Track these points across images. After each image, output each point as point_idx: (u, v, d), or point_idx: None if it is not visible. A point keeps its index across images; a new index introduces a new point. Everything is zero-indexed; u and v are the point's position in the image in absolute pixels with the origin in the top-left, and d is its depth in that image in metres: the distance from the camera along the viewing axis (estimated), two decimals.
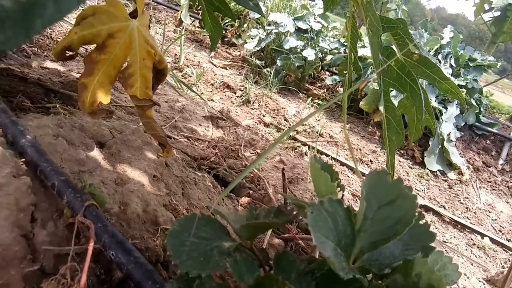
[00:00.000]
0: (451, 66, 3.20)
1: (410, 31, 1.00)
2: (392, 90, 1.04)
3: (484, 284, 1.60)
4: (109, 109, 0.74)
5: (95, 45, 0.79)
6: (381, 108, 0.96)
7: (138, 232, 0.78)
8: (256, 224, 0.55)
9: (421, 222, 0.58)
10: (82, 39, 0.76)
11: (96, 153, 0.86)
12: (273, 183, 1.50)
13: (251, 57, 3.77)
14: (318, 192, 0.63)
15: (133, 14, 0.85)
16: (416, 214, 0.55)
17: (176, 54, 3.49)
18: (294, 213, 0.59)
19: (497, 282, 1.56)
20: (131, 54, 0.82)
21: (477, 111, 3.33)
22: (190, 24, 4.33)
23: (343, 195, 0.64)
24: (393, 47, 1.01)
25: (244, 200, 1.26)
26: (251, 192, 1.31)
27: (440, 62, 3.18)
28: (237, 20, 4.15)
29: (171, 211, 0.88)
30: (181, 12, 3.79)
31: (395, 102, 0.97)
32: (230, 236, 0.60)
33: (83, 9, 0.80)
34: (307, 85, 3.80)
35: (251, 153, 1.78)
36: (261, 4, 3.59)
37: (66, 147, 0.81)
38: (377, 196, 0.56)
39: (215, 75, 3.40)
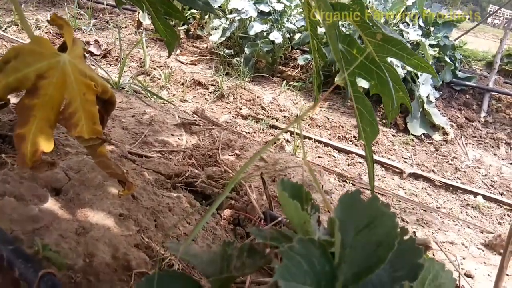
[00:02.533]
0: (420, 26, 3.14)
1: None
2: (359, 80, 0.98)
3: (483, 251, 1.58)
4: (51, 161, 0.66)
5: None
6: (352, 98, 0.89)
7: (109, 285, 0.72)
8: (227, 277, 0.49)
9: (405, 238, 0.53)
10: (8, 87, 0.68)
11: (51, 204, 0.79)
12: (256, 185, 1.45)
13: (218, 48, 3.66)
14: (291, 220, 0.57)
15: (63, 48, 0.76)
16: (398, 232, 0.50)
17: (141, 58, 3.37)
18: (267, 252, 0.53)
19: (495, 247, 1.55)
20: (68, 91, 0.74)
21: (453, 67, 3.30)
22: (150, 23, 4.18)
23: (319, 216, 0.58)
24: (353, 34, 0.95)
25: (227, 212, 1.21)
26: (233, 202, 1.26)
27: (408, 24, 3.12)
28: (197, 12, 4.02)
29: (144, 250, 0.82)
30: (139, 13, 3.65)
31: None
32: (202, 287, 0.54)
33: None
34: (280, 67, 3.71)
35: (229, 155, 1.72)
36: None
37: (15, 205, 0.73)
38: (353, 220, 0.51)
39: (184, 73, 3.29)
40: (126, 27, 4.13)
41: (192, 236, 0.52)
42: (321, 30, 2.64)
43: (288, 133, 2.62)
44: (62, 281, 0.64)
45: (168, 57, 1.38)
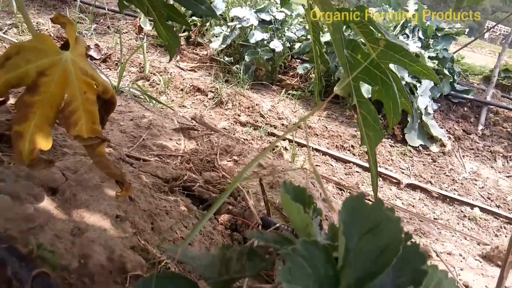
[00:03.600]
0: (419, 39, 3.16)
1: (373, 9, 0.94)
2: (363, 85, 0.98)
3: (480, 262, 1.57)
4: (49, 159, 0.65)
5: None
6: (355, 103, 0.89)
7: (103, 286, 0.70)
8: (226, 280, 0.48)
9: (408, 243, 0.52)
10: (8, 84, 0.67)
11: (47, 203, 0.77)
12: (254, 191, 1.43)
13: (218, 55, 3.67)
14: (293, 223, 0.56)
15: (65, 46, 0.76)
16: (403, 238, 0.49)
17: (140, 63, 3.37)
18: (267, 256, 0.52)
19: (493, 258, 1.54)
20: (69, 89, 0.73)
21: (451, 80, 3.32)
22: (151, 29, 4.19)
23: (321, 220, 0.57)
24: (358, 39, 0.95)
25: (224, 217, 1.19)
26: (230, 207, 1.24)
27: (408, 36, 3.15)
28: (198, 19, 4.04)
29: (140, 252, 0.80)
30: (140, 18, 3.66)
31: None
32: None
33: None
34: (279, 76, 3.73)
35: (227, 161, 1.71)
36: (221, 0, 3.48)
37: (10, 203, 0.72)
38: (357, 224, 0.50)
39: (183, 79, 3.29)
40: (127, 32, 4.14)
41: (190, 238, 0.51)
42: (323, 39, 2.66)
43: (287, 140, 2.61)
44: (56, 282, 0.63)
45: (170, 61, 1.38)
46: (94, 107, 0.77)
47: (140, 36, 3.96)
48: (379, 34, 0.99)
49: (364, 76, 0.93)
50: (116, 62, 3.32)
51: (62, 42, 0.79)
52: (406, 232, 0.51)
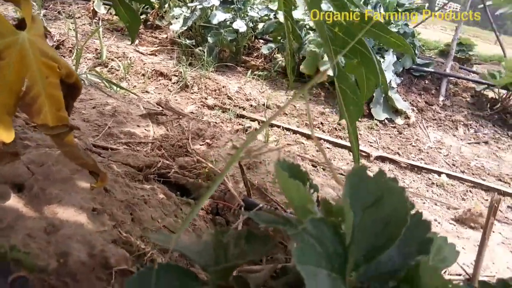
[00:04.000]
0: (381, 13, 3.19)
1: None
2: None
3: (455, 226, 1.63)
4: (13, 151, 0.58)
5: None
6: (334, 78, 0.87)
7: (86, 284, 0.65)
8: (228, 267, 0.45)
9: (412, 212, 0.51)
10: None
11: (14, 201, 0.70)
12: (231, 174, 1.40)
13: (179, 38, 3.55)
14: (291, 201, 0.53)
15: (21, 25, 0.68)
16: (409, 208, 0.47)
17: (97, 49, 3.20)
18: (270, 240, 0.49)
19: (466, 220, 1.60)
20: (29, 74, 0.65)
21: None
22: (106, 13, 3.98)
23: (318, 196, 0.55)
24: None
25: (205, 203, 1.15)
26: None
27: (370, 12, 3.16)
28: (156, 1, 3.87)
29: (122, 246, 0.75)
30: (94, 2, 3.46)
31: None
32: (199, 279, 0.49)
33: None
34: (243, 57, 3.66)
35: (200, 145, 1.66)
36: None
37: None
38: (361, 197, 0.48)
39: (144, 64, 3.16)
40: (80, 17, 3.91)
41: (183, 228, 0.47)
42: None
43: (256, 122, 2.58)
44: (34, 284, 0.57)
45: (132, 43, 1.30)
46: (58, 91, 0.70)
47: (95, 20, 3.75)
48: (352, 8, 0.97)
49: (342, 49, 0.91)
50: (70, 48, 3.13)
51: (17, 22, 0.71)
52: (410, 201, 0.49)
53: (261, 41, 3.81)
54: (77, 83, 0.77)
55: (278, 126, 2.59)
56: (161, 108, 2.08)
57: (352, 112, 0.90)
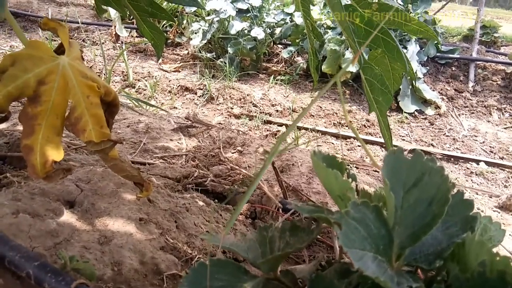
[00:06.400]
0: (399, 4, 3.15)
1: None
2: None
3: (499, 213, 1.58)
4: (66, 167, 0.63)
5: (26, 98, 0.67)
6: (358, 70, 0.87)
7: None
8: (276, 256, 0.46)
9: (453, 192, 0.51)
10: (9, 97, 0.64)
11: (67, 217, 0.75)
12: (265, 178, 1.42)
13: (200, 52, 3.63)
14: (330, 191, 0.54)
15: (60, 50, 0.73)
16: (450, 186, 0.47)
17: (123, 71, 3.32)
18: (313, 227, 0.50)
19: (510, 207, 1.55)
20: (72, 95, 0.70)
21: (436, 42, 3.32)
22: (128, 36, 4.13)
23: (357, 185, 0.56)
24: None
25: (243, 207, 1.17)
26: None
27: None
28: (175, 18, 3.97)
29: (170, 252, 0.78)
30: (115, 26, 3.59)
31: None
32: (249, 272, 0.51)
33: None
34: (264, 64, 3.69)
35: (232, 153, 1.69)
36: None
37: (31, 221, 0.69)
38: (400, 180, 0.49)
39: (169, 81, 3.25)
40: (103, 42, 4.06)
41: (229, 227, 0.49)
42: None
43: (284, 126, 2.60)
44: None
45: (158, 60, 1.35)
46: (99, 110, 0.74)
47: (118, 44, 3.89)
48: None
49: (365, 41, 0.91)
50: (98, 73, 3.26)
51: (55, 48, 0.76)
52: (450, 180, 0.49)
53: (280, 46, 3.84)
54: (115, 101, 0.81)
55: (306, 129, 2.59)
56: (190, 122, 2.13)
57: (382, 103, 0.91)
